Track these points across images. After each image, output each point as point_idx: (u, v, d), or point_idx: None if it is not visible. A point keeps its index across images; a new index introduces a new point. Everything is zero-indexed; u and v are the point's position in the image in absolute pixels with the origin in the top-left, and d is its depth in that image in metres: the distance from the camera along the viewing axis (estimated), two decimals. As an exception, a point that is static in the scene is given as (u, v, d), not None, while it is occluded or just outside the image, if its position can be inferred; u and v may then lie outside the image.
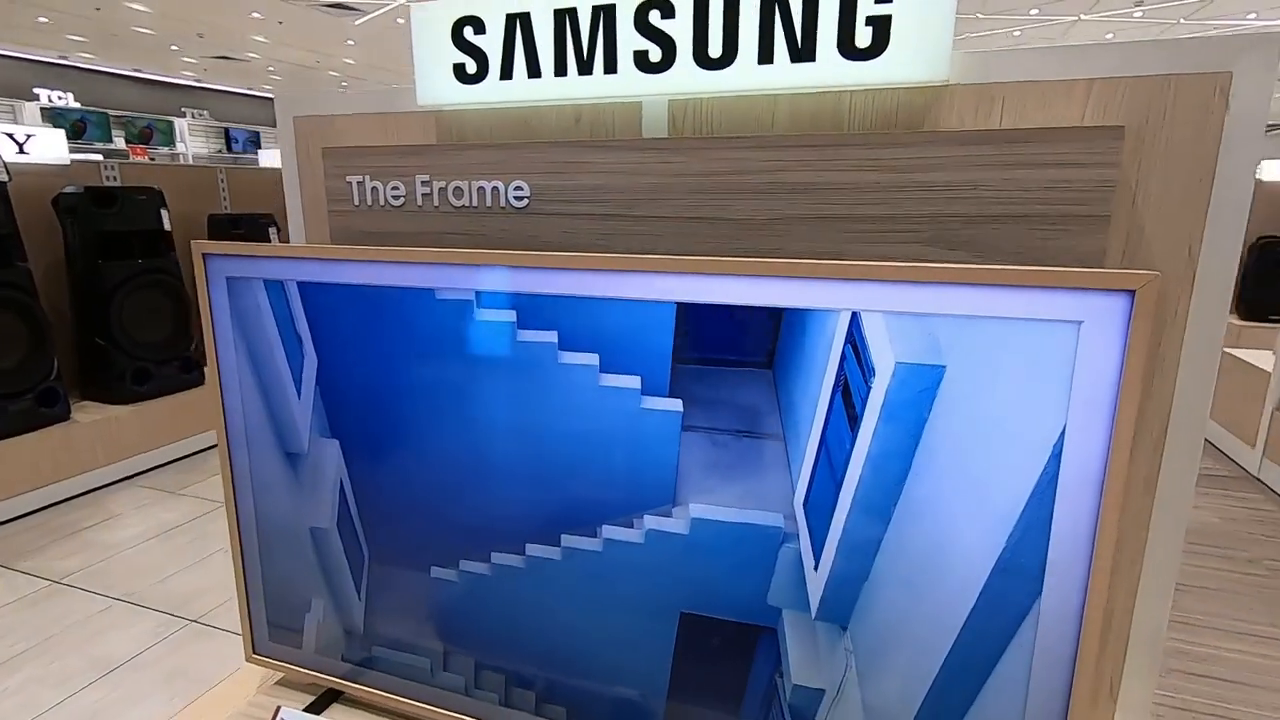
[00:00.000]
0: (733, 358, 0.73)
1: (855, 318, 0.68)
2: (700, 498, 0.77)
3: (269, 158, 8.79)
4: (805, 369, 0.71)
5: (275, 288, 0.92)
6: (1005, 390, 0.64)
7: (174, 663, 1.70)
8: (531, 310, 0.80)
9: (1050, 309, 0.62)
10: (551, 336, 0.79)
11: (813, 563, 0.74)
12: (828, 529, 0.72)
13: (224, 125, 11.87)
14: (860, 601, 0.73)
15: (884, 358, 0.67)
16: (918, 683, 0.72)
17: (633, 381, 0.77)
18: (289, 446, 0.96)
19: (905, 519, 0.69)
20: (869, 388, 0.68)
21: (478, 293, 0.82)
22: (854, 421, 0.70)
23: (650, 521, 0.79)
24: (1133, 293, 0.59)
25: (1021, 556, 0.66)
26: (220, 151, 11.61)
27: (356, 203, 1.05)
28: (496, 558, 0.88)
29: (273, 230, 3.38)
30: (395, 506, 0.92)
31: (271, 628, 1.05)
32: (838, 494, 0.71)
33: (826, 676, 0.76)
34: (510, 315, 0.81)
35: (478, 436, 0.85)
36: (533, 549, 0.86)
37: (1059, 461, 0.63)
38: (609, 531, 0.81)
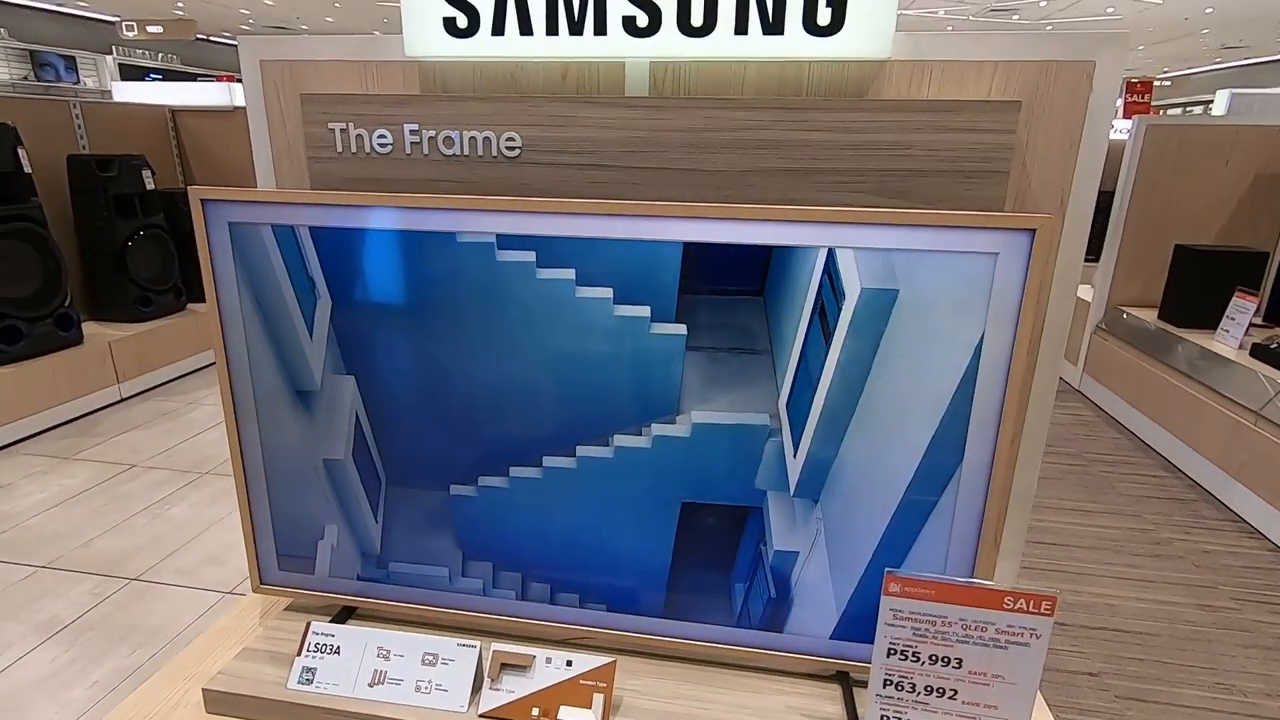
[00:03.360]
0: (730, 288, 0.89)
1: (831, 253, 0.85)
2: (700, 406, 0.93)
3: (128, 92, 7.74)
4: (790, 296, 0.88)
5: (285, 233, 0.96)
6: (941, 307, 0.84)
7: (124, 620, 1.69)
8: (550, 251, 0.91)
9: (976, 244, 0.82)
10: (569, 274, 0.91)
11: (792, 451, 0.92)
12: (805, 423, 0.91)
13: (29, 47, 10.27)
14: (829, 479, 0.93)
15: (852, 284, 0.85)
16: (870, 538, 0.94)
17: (643, 311, 0.91)
18: (300, 385, 1.02)
19: (865, 411, 0.89)
20: (840, 309, 0.86)
21: (499, 235, 0.91)
22: (828, 336, 0.88)
23: (657, 429, 0.95)
24: (1034, 231, 0.80)
25: (950, 433, 0.88)
26: (27, 78, 10.07)
27: (339, 150, 1.09)
28: (515, 471, 1.00)
29: (147, 174, 3.10)
30: (414, 434, 1.02)
31: (280, 556, 1.12)
32: (813, 395, 0.90)
33: (801, 540, 0.96)
34: (530, 256, 0.91)
35: (501, 367, 0.96)
36: (550, 460, 0.99)
37: (979, 359, 0.85)
38: (620, 440, 0.96)
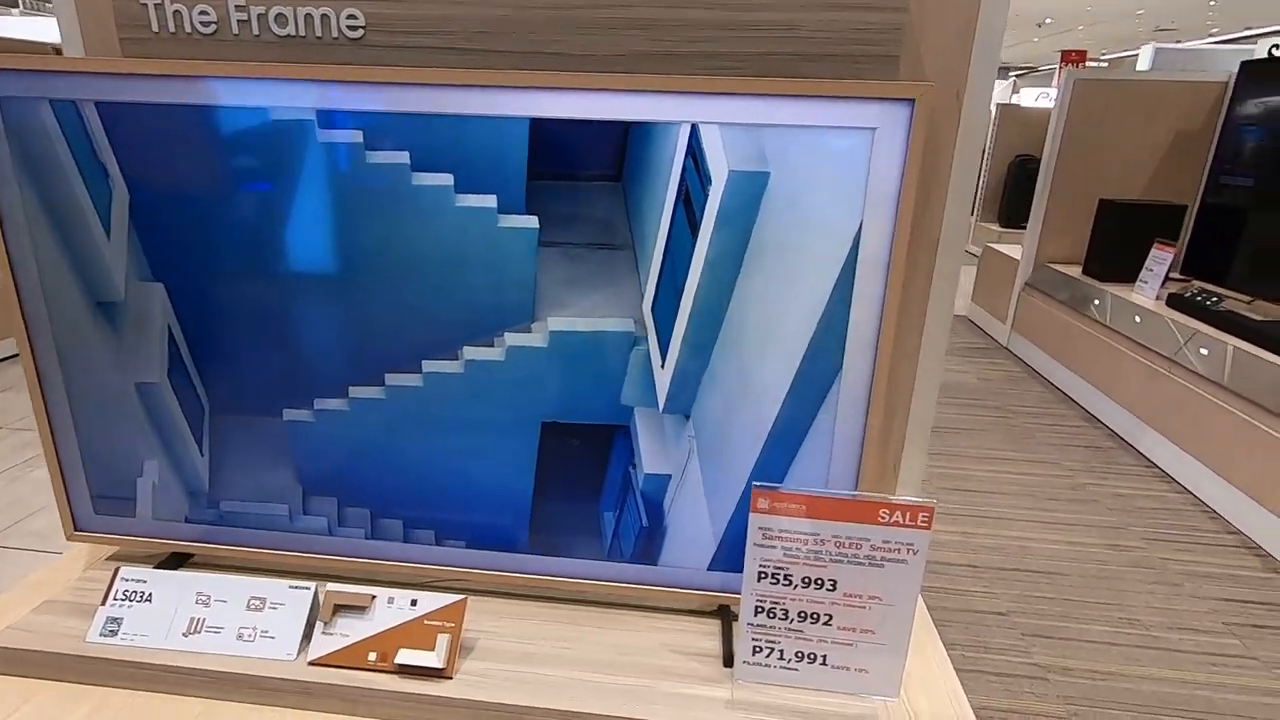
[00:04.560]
0: (585, 173, 0.78)
1: (695, 131, 0.75)
2: (558, 311, 0.83)
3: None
4: (651, 181, 0.78)
5: (68, 111, 0.81)
6: (816, 193, 0.75)
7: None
8: (380, 131, 0.79)
9: (851, 118, 0.73)
10: (403, 158, 0.79)
11: (660, 361, 0.83)
12: (672, 329, 0.82)
13: None
14: (700, 392, 0.84)
15: (719, 167, 0.75)
16: (746, 458, 0.85)
17: (488, 201, 0.79)
18: (101, 296, 0.88)
19: (737, 313, 0.80)
20: (706, 195, 0.76)
21: (319, 112, 0.78)
22: (694, 228, 0.78)
23: (510, 339, 0.84)
24: (913, 100, 0.72)
25: (828, 337, 0.80)
26: None
27: (156, 29, 0.93)
28: (355, 392, 0.89)
29: None
30: (238, 350, 0.89)
31: (96, 499, 0.98)
32: (680, 296, 0.80)
33: (673, 462, 0.87)
34: (357, 136, 0.79)
35: (329, 269, 0.84)
36: (393, 379, 0.87)
37: (856, 253, 0.76)
38: (470, 353, 0.85)
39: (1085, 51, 7.11)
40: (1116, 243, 3.28)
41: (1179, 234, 3.14)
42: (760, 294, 0.79)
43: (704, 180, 0.76)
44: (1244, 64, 2.92)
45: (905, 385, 1.05)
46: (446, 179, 0.79)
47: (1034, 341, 3.85)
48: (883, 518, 0.74)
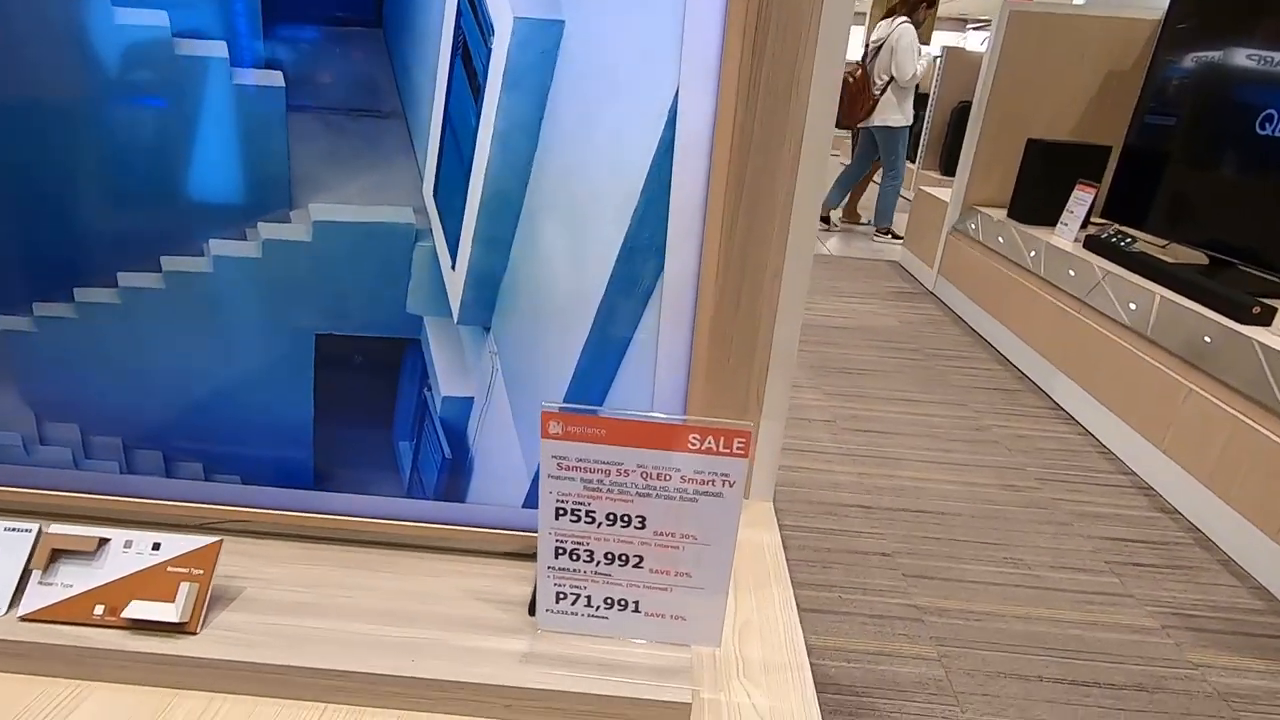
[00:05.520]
0: (336, 16, 0.62)
1: (469, -38, 0.59)
2: (321, 196, 0.67)
3: None
4: (419, 29, 0.62)
5: None
6: (622, 49, 0.61)
7: None
8: (62, -54, 0.60)
9: (663, -50, 0.58)
10: (97, -15, 0.61)
11: (449, 261, 0.69)
12: (461, 220, 0.67)
13: None
14: (500, 299, 0.70)
15: (501, 11, 0.60)
16: (559, 377, 0.73)
17: (217, 49, 0.63)
18: None
19: (537, 200, 0.66)
20: (489, 49, 0.61)
21: (-27, -85, 0.60)
22: (477, 92, 0.63)
23: (266, 230, 0.69)
24: (736, -70, 0.57)
25: (646, 231, 0.67)
26: None
27: None
28: (82, 295, 0.72)
29: None
30: (-76, 240, 0.71)
31: None
32: (468, 178, 0.66)
33: (475, 383, 0.74)
34: (31, -47, 0.60)
35: (28, 138, 0.66)
36: (127, 279, 0.71)
37: (674, 126, 0.63)
38: (218, 247, 0.69)
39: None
40: (1042, 184, 3.24)
41: (1103, 176, 3.12)
42: (563, 177, 0.65)
43: (484, 29, 0.61)
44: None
45: (766, 306, 0.94)
46: (159, 17, 0.62)
47: (958, 286, 3.83)
48: (693, 444, 0.63)
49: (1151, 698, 1.36)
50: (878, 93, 4.83)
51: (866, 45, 5.11)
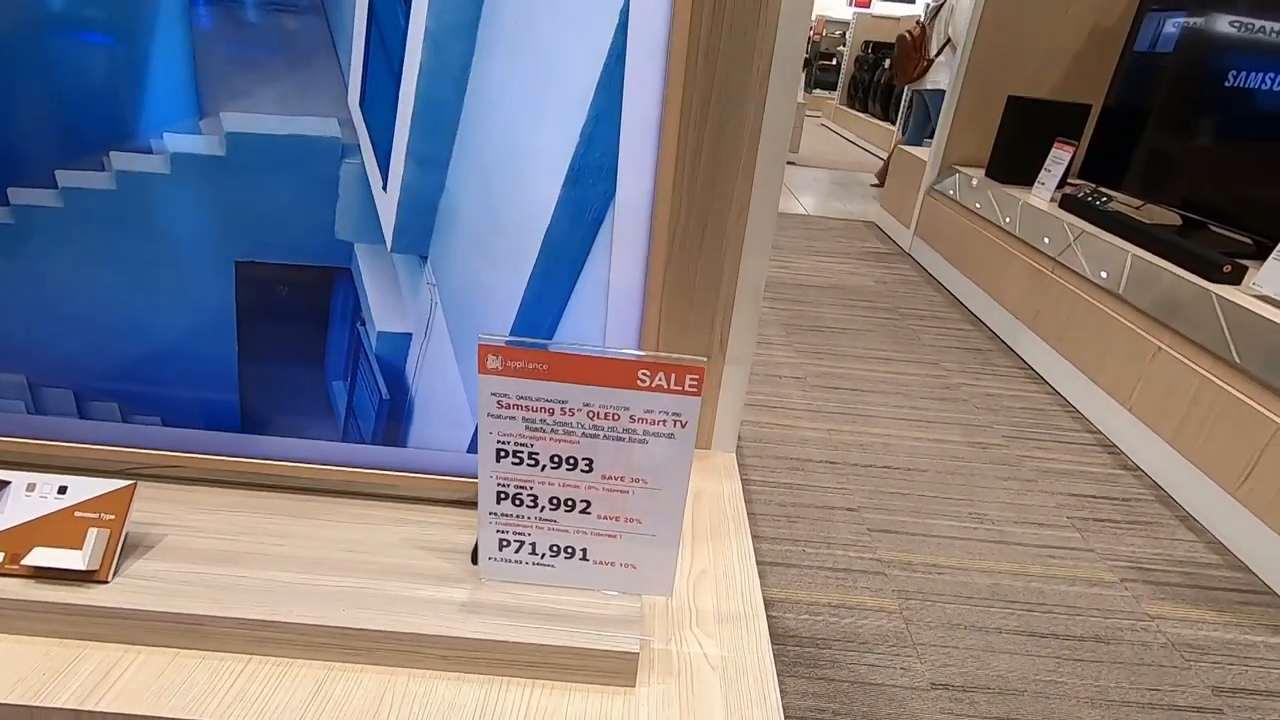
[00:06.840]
0: (241, -111, 0.54)
1: None
2: (234, 104, 0.60)
3: None
4: (338, -93, 0.55)
5: None
6: (570, -63, 0.54)
7: None
8: None
9: None
10: None
11: (380, 180, 0.63)
12: (392, 135, 0.61)
13: None
14: (438, 224, 0.64)
15: (431, -111, 0.53)
16: (504, 311, 0.68)
17: (104, -74, 0.55)
18: None
19: (476, 113, 0.60)
20: (418, -66, 0.54)
21: None
22: (405, -15, 0.56)
23: (173, 142, 0.62)
24: None
25: (595, 150, 0.61)
26: None
27: None
28: (-31, 213, 0.65)
29: None
30: None
31: None
32: (398, 87, 0.59)
33: (412, 317, 0.69)
34: None
35: (-112, 27, 0.58)
36: (19, 195, 0.64)
37: (625, 30, 0.57)
38: (120, 161, 0.62)
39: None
40: (1021, 142, 3.20)
41: (1083, 135, 3.08)
42: (503, 86, 0.59)
43: (412, -91, 0.54)
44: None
45: (731, 243, 0.89)
46: (34, -115, 0.54)
47: (934, 246, 3.81)
48: (642, 380, 0.58)
49: (1108, 648, 1.38)
50: (933, 54, 4.59)
51: (929, 2, 4.88)
